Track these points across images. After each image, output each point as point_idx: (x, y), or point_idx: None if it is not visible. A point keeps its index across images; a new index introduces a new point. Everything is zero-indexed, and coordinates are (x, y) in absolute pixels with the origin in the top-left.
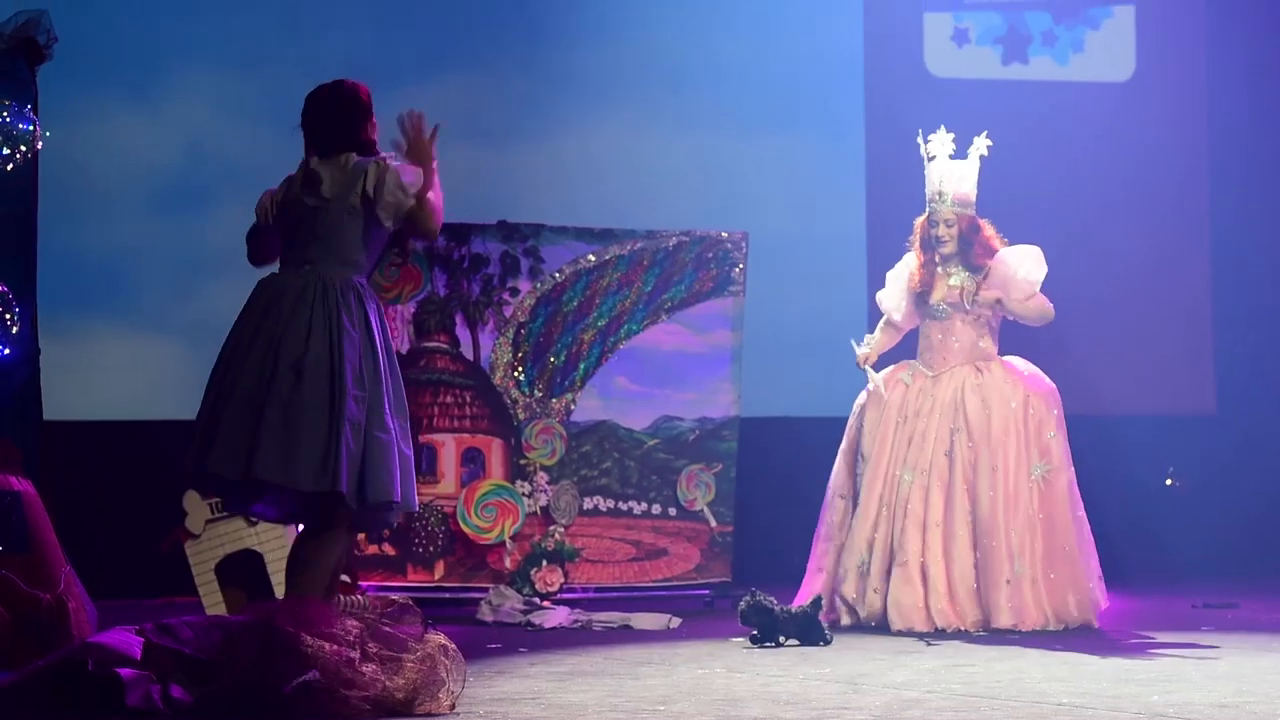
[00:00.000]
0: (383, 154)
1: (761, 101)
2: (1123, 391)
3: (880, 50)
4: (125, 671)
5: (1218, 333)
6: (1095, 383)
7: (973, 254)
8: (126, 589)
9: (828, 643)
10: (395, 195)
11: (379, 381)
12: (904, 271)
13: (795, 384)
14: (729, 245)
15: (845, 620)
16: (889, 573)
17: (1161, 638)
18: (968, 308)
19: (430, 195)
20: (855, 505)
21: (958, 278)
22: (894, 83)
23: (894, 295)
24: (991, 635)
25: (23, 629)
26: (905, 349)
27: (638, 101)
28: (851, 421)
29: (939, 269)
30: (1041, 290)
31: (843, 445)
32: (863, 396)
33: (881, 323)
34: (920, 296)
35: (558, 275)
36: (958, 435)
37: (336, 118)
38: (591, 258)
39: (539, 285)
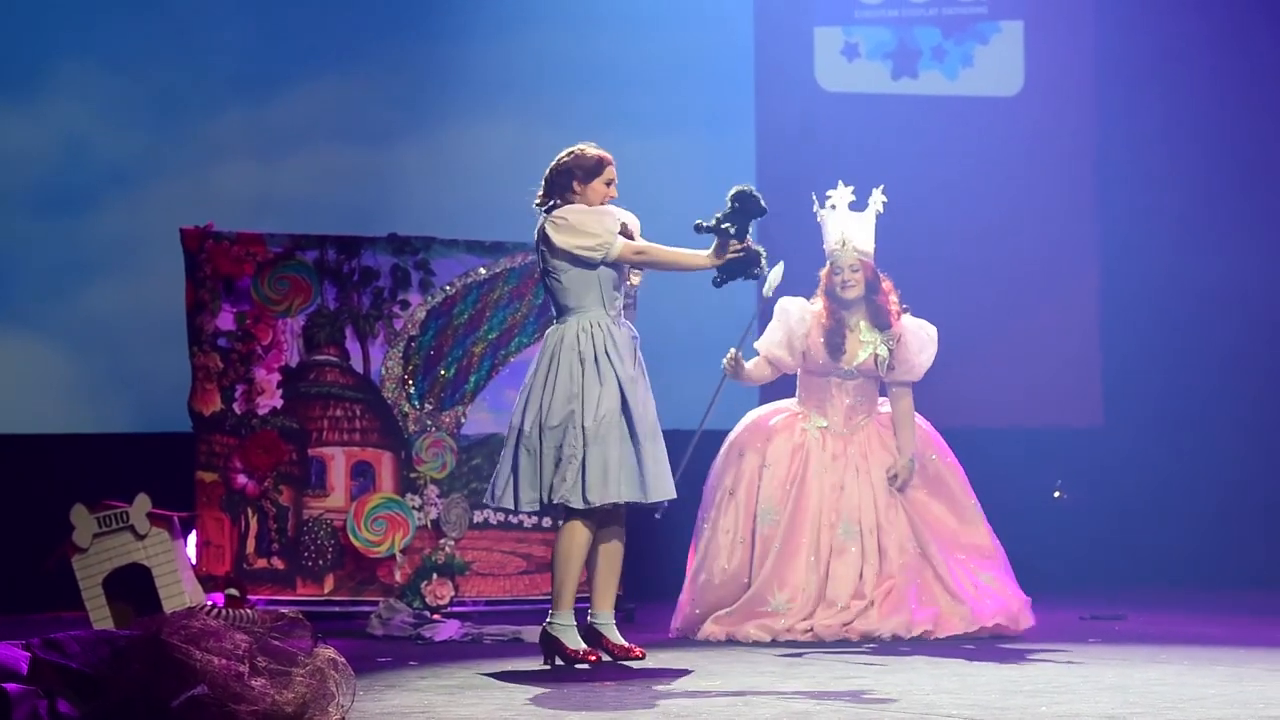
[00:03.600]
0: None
1: (651, 111)
2: (1010, 404)
3: (771, 63)
4: (11, 687)
5: (1105, 345)
6: (983, 395)
7: (878, 312)
8: (12, 604)
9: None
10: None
11: None
12: (797, 328)
13: (684, 397)
14: None
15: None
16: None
17: (1049, 649)
18: (881, 375)
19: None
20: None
21: (872, 345)
22: (785, 96)
23: (780, 338)
24: (906, 644)
25: None
26: (782, 389)
27: (527, 108)
28: (730, 463)
29: (848, 326)
30: (931, 305)
31: (725, 484)
32: (732, 438)
33: (756, 361)
34: (832, 349)
35: (448, 288)
36: (888, 497)
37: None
38: (482, 270)
39: (430, 298)
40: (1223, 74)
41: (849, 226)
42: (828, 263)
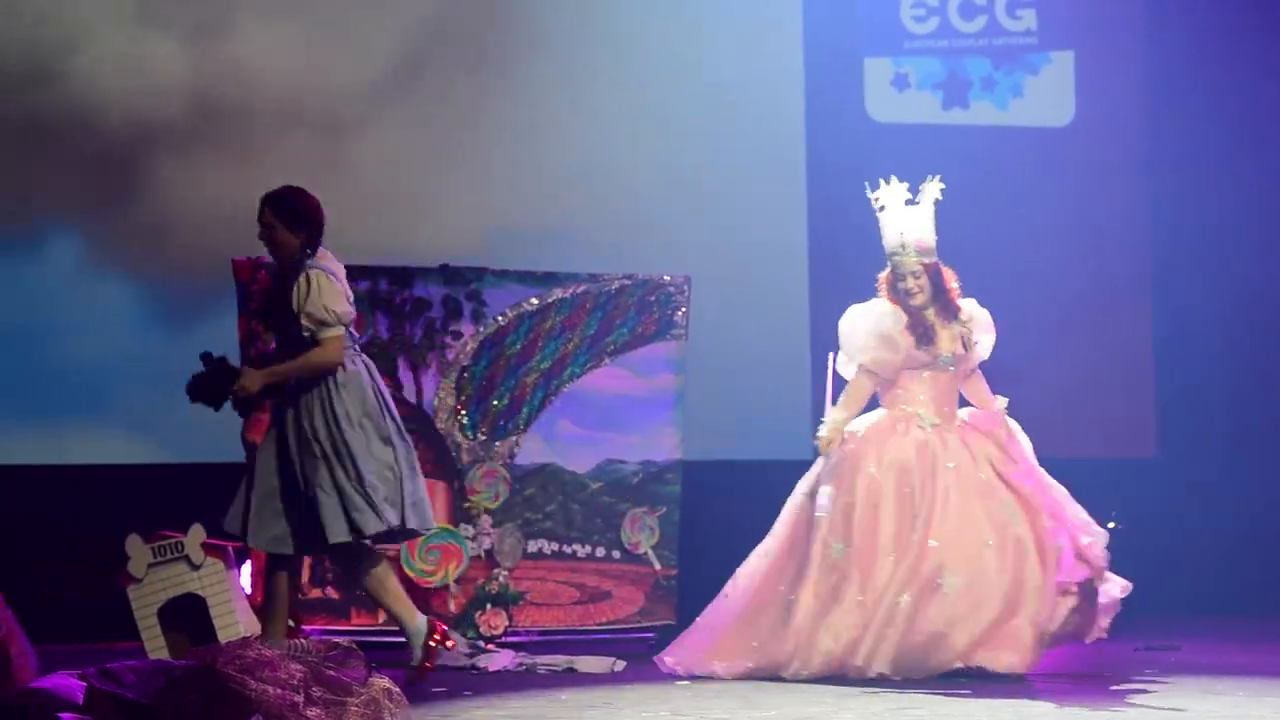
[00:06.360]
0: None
1: (703, 144)
2: (1064, 433)
3: (821, 95)
4: (67, 717)
5: (1158, 375)
6: (1036, 425)
7: (945, 307)
8: (68, 634)
9: None
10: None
11: None
12: (885, 324)
13: (737, 427)
14: (671, 289)
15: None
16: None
17: (1104, 681)
18: (964, 351)
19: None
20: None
21: (955, 328)
22: (835, 127)
23: (873, 342)
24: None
25: None
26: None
27: (575, 140)
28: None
29: (934, 321)
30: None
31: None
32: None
33: (856, 380)
34: (921, 343)
35: (500, 319)
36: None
37: None
38: (534, 301)
39: (482, 329)
40: (1276, 101)
41: (906, 225)
42: (888, 266)
